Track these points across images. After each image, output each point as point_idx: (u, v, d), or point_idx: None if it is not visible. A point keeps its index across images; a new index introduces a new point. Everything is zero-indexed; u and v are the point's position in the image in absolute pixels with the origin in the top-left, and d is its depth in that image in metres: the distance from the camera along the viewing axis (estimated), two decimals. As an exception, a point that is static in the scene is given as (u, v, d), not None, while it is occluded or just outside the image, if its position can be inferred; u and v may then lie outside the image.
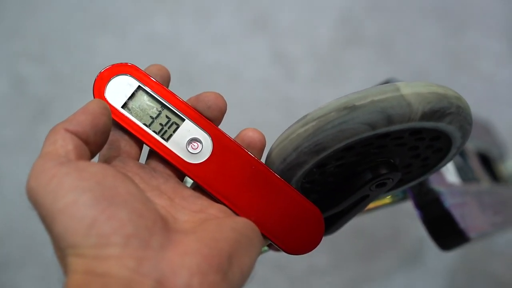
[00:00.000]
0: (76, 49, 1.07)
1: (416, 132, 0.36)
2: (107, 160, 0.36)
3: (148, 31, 1.09)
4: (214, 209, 0.35)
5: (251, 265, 0.32)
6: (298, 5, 1.15)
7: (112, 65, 0.37)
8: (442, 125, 0.36)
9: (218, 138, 0.37)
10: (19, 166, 0.99)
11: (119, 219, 0.28)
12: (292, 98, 1.06)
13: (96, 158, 0.36)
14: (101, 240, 0.27)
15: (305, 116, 0.35)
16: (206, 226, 0.32)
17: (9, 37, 1.07)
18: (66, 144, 0.31)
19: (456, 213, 0.48)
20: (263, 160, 0.38)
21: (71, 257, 0.28)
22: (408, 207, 0.92)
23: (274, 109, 1.07)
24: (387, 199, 0.51)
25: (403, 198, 0.51)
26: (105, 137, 0.34)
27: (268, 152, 0.38)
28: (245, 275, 0.31)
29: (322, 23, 1.13)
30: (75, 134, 0.32)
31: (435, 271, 0.99)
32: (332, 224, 0.43)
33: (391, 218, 1.00)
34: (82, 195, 0.28)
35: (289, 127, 0.36)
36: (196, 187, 0.38)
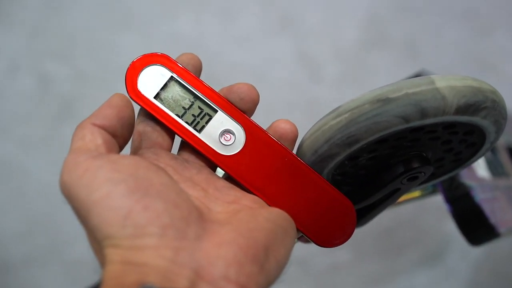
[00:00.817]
0: (100, 47, 1.08)
1: (449, 126, 0.36)
2: (139, 152, 0.36)
3: (173, 30, 1.10)
4: (248, 200, 0.35)
5: (287, 256, 0.32)
6: (323, 5, 1.14)
7: (144, 55, 0.37)
8: (476, 119, 0.35)
9: (251, 130, 0.37)
10: (42, 164, 1.00)
11: (155, 209, 0.28)
12: (317, 99, 1.06)
13: (128, 150, 0.37)
14: (137, 231, 0.28)
15: (338, 107, 0.35)
16: (241, 216, 0.32)
17: (34, 35, 1.08)
18: (95, 139, 0.32)
19: (486, 208, 0.47)
20: (294, 151, 0.38)
21: (108, 248, 0.28)
22: (431, 205, 0.92)
23: (299, 110, 1.07)
24: (417, 192, 0.51)
25: (433, 192, 0.51)
26: (130, 129, 0.35)
27: (299, 144, 0.38)
28: (281, 266, 0.31)
29: (347, 24, 1.13)
30: (103, 128, 0.33)
31: (457, 271, 0.98)
32: (362, 216, 0.43)
33: (414, 217, 1.00)
34: (117, 186, 0.29)
35: (321, 119, 0.36)
36: (228, 177, 0.38)
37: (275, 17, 1.12)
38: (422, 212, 0.99)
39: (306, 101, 1.06)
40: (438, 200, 0.94)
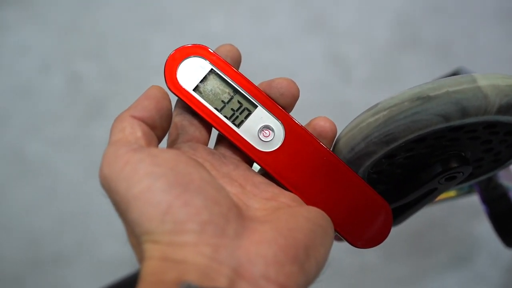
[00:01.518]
0: (132, 46, 1.09)
1: (490, 126, 0.36)
2: (176, 145, 0.36)
3: (205, 30, 1.10)
4: (286, 198, 0.35)
5: (326, 255, 0.32)
6: (355, 6, 1.13)
7: (184, 46, 0.37)
8: None
9: (290, 127, 0.37)
10: (72, 163, 1.02)
11: (195, 205, 0.28)
12: (347, 100, 1.05)
13: (164, 144, 0.37)
14: (177, 227, 0.27)
15: (376, 104, 0.35)
16: (280, 215, 0.32)
17: (65, 33, 1.10)
18: (134, 131, 0.32)
19: (524, 210, 0.47)
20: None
21: (146, 243, 0.28)
22: (461, 208, 0.90)
23: (329, 111, 1.06)
24: (452, 192, 0.50)
25: (469, 192, 0.50)
26: (169, 121, 0.34)
27: (335, 140, 0.38)
28: (321, 266, 0.31)
29: (379, 25, 1.12)
30: (142, 120, 0.32)
31: (488, 275, 0.96)
32: (397, 216, 0.42)
33: (443, 219, 0.98)
34: (157, 180, 0.28)
35: (358, 116, 0.36)
36: (264, 173, 0.38)
37: (307, 17, 1.12)
38: (452, 214, 0.98)
39: (336, 102, 1.05)
40: (468, 202, 0.93)
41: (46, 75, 1.07)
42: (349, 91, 1.07)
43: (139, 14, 1.12)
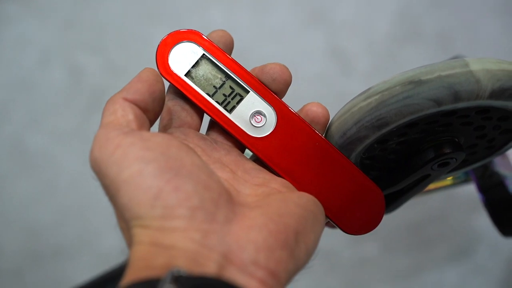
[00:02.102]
0: (132, 39, 1.09)
1: (483, 111, 0.35)
2: (168, 131, 0.36)
3: (204, 23, 1.10)
4: (277, 183, 0.35)
5: (316, 242, 0.31)
6: (356, -2, 1.13)
7: (176, 31, 0.37)
8: (511, 104, 0.35)
9: (283, 112, 0.37)
10: (73, 156, 1.02)
11: (185, 190, 0.28)
12: (348, 93, 1.04)
13: (155, 129, 0.37)
14: (166, 212, 0.27)
15: (368, 89, 0.35)
16: (271, 200, 0.31)
17: (66, 27, 1.10)
18: (126, 114, 0.31)
19: (521, 199, 0.46)
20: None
21: (136, 228, 0.28)
22: (460, 200, 0.90)
23: (330, 104, 1.05)
24: (448, 180, 0.50)
25: (465, 181, 0.50)
26: (161, 104, 0.34)
27: (328, 125, 0.38)
28: (310, 252, 0.31)
29: (379, 18, 1.11)
30: (134, 102, 0.32)
31: (488, 268, 0.96)
32: (390, 203, 0.42)
33: (442, 211, 0.98)
34: (148, 165, 0.28)
35: (350, 100, 0.36)
36: (256, 159, 0.38)
37: (307, 10, 1.11)
38: (451, 206, 0.98)
39: (337, 95, 1.05)
40: (467, 195, 0.92)
41: (46, 68, 1.07)
42: (349, 84, 1.07)
43: (139, 7, 1.12)
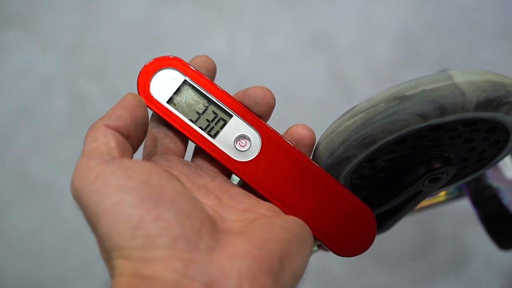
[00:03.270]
0: (133, 67, 1.08)
1: (471, 123, 0.35)
2: (151, 158, 0.35)
3: (206, 48, 1.10)
4: (263, 208, 0.34)
5: (303, 266, 0.31)
6: (356, 23, 1.13)
7: (156, 58, 0.37)
8: (498, 115, 0.34)
9: (267, 135, 0.36)
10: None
11: (166, 219, 0.27)
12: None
13: (139, 156, 0.36)
14: (147, 242, 0.27)
15: (353, 107, 0.34)
16: (256, 226, 0.31)
17: (68, 54, 1.10)
18: (108, 141, 0.31)
19: (516, 211, 0.46)
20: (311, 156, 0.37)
21: (117, 259, 0.27)
22: (453, 213, 0.90)
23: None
24: (442, 196, 0.49)
25: (459, 196, 0.49)
26: (144, 130, 0.33)
27: (315, 146, 0.37)
28: (297, 276, 0.30)
29: (380, 42, 1.11)
30: (116, 129, 0.31)
31: (480, 279, 0.96)
32: (383, 222, 0.41)
33: (433, 225, 0.98)
34: (128, 194, 0.28)
35: (336, 120, 0.35)
36: (243, 184, 0.37)
37: (308, 35, 1.12)
38: (443, 220, 0.98)
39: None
40: (458, 208, 0.92)
41: (49, 96, 1.08)
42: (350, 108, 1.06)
43: (141, 34, 1.12)
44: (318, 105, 1.06)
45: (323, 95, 1.08)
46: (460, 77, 0.33)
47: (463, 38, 1.12)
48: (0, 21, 1.11)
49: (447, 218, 0.98)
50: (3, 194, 1.03)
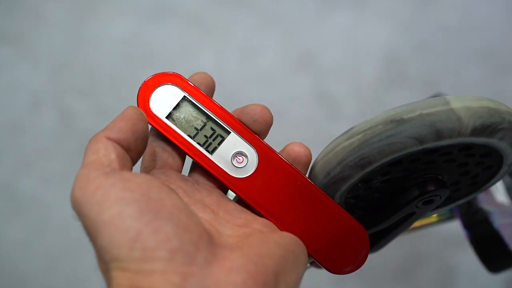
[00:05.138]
0: (122, 84, 1.09)
1: (466, 148, 0.35)
2: (150, 172, 0.36)
3: (194, 67, 1.11)
4: (259, 224, 0.34)
5: (298, 282, 0.31)
6: (343, 44, 1.15)
7: (157, 74, 0.37)
8: (493, 141, 0.35)
9: (264, 152, 0.37)
10: (63, 200, 1.00)
11: (164, 232, 0.27)
12: (335, 137, 1.05)
13: (137, 169, 0.36)
14: (145, 254, 0.27)
15: (351, 128, 0.35)
16: (251, 241, 0.31)
17: (57, 71, 1.10)
18: (108, 153, 0.31)
19: (506, 234, 0.46)
20: (307, 174, 0.38)
21: (115, 270, 0.27)
22: (442, 237, 0.90)
23: (316, 147, 1.05)
24: (434, 217, 0.49)
25: (450, 218, 0.50)
26: (144, 143, 0.34)
27: (312, 165, 0.38)
28: None
29: (366, 63, 1.13)
30: (117, 141, 0.32)
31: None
32: (376, 241, 0.41)
33: (419, 244, 0.98)
34: (128, 206, 0.28)
35: (333, 140, 0.36)
36: (239, 200, 0.37)
37: (295, 54, 1.13)
38: (432, 243, 0.98)
39: (323, 139, 1.05)
40: (447, 231, 0.92)
41: (37, 112, 1.07)
42: (337, 128, 1.06)
43: (129, 51, 1.12)
44: (305, 124, 1.07)
45: (309, 114, 1.09)
46: (457, 103, 0.33)
47: (448, 59, 1.14)
48: (-9, 38, 1.11)
49: (433, 238, 0.99)
50: (-10, 210, 1.02)
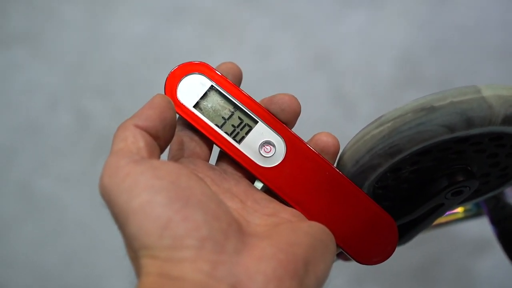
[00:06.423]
0: (138, 84, 1.10)
1: (496, 138, 0.35)
2: (177, 161, 0.36)
3: (210, 66, 1.11)
4: (287, 213, 0.34)
5: (327, 271, 0.31)
6: (358, 43, 1.14)
7: (184, 63, 0.37)
8: None
9: (292, 142, 0.37)
10: (80, 199, 1.01)
11: (194, 220, 0.27)
12: (351, 137, 1.05)
13: (164, 159, 0.36)
14: (175, 242, 0.27)
15: (380, 117, 0.35)
16: (280, 230, 0.31)
17: (74, 72, 1.11)
18: (137, 141, 0.31)
19: (534, 231, 0.46)
20: (335, 164, 0.38)
21: (144, 258, 0.27)
22: (464, 243, 0.89)
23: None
24: (460, 213, 0.49)
25: (477, 213, 0.49)
26: (172, 131, 0.33)
27: (340, 154, 0.37)
28: (321, 281, 0.30)
29: (382, 62, 1.12)
30: (145, 129, 0.32)
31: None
32: (403, 234, 0.41)
33: (446, 253, 0.97)
34: (157, 194, 0.28)
35: (363, 128, 0.36)
36: (267, 190, 0.37)
37: (311, 54, 1.13)
38: (454, 249, 0.97)
39: (340, 139, 1.05)
40: (470, 237, 0.91)
41: (54, 112, 1.08)
42: (352, 128, 1.06)
43: (145, 52, 1.13)
44: (321, 124, 1.07)
45: (325, 114, 1.08)
46: (488, 91, 0.33)
47: (464, 59, 1.13)
48: (7, 39, 1.12)
49: (451, 241, 0.98)
50: (7, 209, 1.03)
